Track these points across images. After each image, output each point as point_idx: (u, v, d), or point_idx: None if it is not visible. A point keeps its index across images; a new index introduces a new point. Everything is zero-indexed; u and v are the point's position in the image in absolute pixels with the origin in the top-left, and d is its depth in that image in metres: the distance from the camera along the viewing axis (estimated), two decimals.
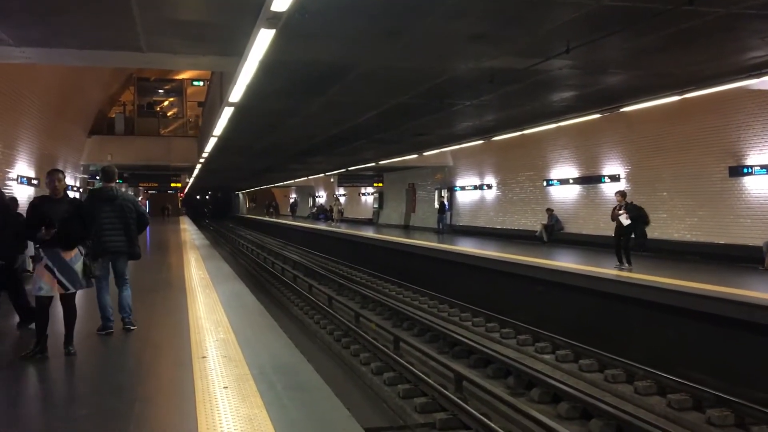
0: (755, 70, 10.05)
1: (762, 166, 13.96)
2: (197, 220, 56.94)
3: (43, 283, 6.09)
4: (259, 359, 5.91)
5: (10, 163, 16.45)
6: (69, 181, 24.32)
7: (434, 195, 31.37)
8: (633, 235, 12.63)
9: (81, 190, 27.20)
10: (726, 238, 14.90)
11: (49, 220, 6.03)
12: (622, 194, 13.03)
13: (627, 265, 12.46)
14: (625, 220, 12.52)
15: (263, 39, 6.86)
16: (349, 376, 9.83)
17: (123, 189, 19.05)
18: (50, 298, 6.19)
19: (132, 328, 7.28)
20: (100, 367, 6.14)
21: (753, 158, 14.21)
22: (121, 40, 8.65)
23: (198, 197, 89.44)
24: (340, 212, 39.71)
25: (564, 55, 8.74)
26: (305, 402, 4.76)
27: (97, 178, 27.58)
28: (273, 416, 4.35)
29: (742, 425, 7.22)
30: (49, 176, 6.36)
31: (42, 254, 6.14)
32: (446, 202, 29.21)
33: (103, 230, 7.03)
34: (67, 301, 6.28)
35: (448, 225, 28.53)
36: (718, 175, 15.09)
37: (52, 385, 5.67)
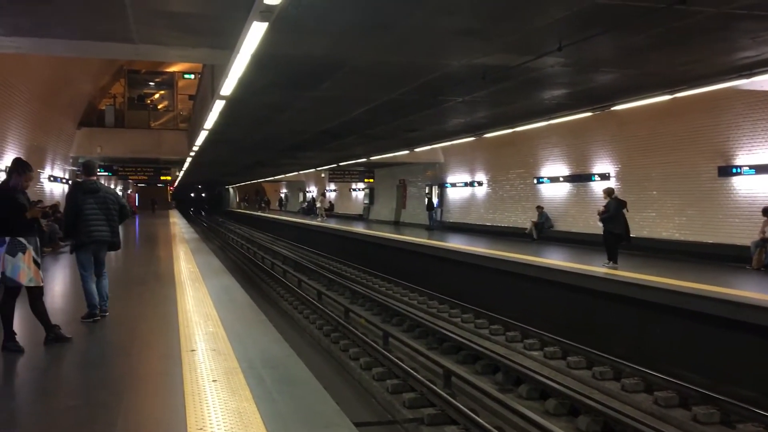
0: (745, 71, 10.09)
1: (751, 166, 14.05)
2: (187, 214, 56.75)
3: (33, 276, 6.05)
4: (249, 353, 5.90)
5: None
6: (58, 173, 24.16)
7: (425, 191, 31.40)
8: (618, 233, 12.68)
9: (70, 182, 27.02)
10: (714, 238, 14.99)
11: (24, 208, 6.01)
12: (607, 192, 13.08)
13: (612, 263, 12.49)
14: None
15: (256, 32, 6.83)
16: (338, 371, 9.84)
17: (110, 183, 18.99)
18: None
19: (106, 314, 7.44)
20: (88, 359, 6.11)
21: (742, 158, 14.29)
22: (112, 31, 8.57)
23: (192, 195, 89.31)
24: (330, 206, 39.47)
25: (556, 52, 8.74)
26: (294, 396, 4.75)
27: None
28: (262, 410, 4.35)
29: (728, 422, 7.27)
30: (26, 171, 6.20)
31: (27, 244, 6.01)
32: (434, 199, 29.24)
33: (89, 221, 7.24)
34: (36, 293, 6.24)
35: (438, 221, 28.58)
36: (707, 175, 15.16)
37: (40, 375, 5.62)
